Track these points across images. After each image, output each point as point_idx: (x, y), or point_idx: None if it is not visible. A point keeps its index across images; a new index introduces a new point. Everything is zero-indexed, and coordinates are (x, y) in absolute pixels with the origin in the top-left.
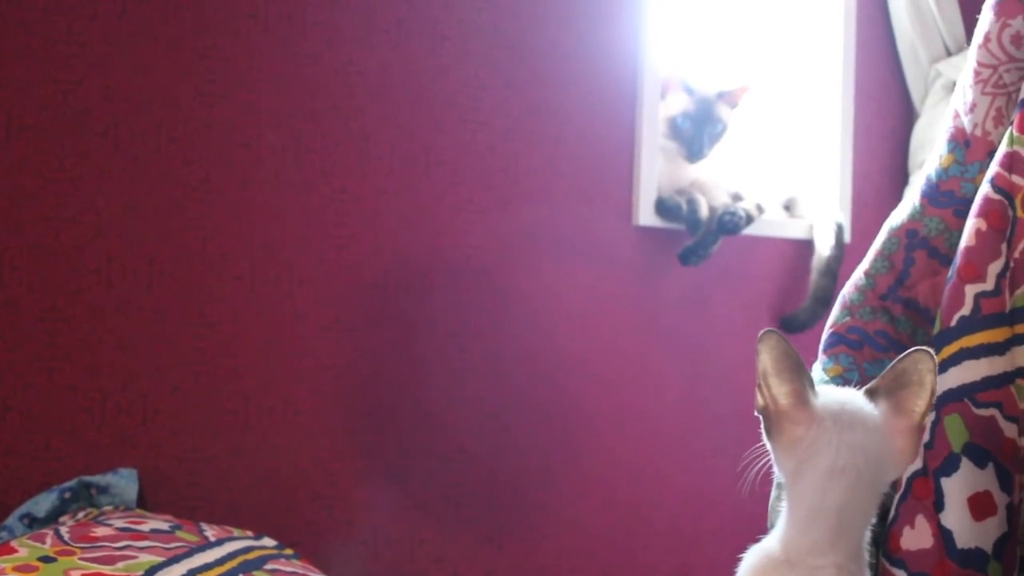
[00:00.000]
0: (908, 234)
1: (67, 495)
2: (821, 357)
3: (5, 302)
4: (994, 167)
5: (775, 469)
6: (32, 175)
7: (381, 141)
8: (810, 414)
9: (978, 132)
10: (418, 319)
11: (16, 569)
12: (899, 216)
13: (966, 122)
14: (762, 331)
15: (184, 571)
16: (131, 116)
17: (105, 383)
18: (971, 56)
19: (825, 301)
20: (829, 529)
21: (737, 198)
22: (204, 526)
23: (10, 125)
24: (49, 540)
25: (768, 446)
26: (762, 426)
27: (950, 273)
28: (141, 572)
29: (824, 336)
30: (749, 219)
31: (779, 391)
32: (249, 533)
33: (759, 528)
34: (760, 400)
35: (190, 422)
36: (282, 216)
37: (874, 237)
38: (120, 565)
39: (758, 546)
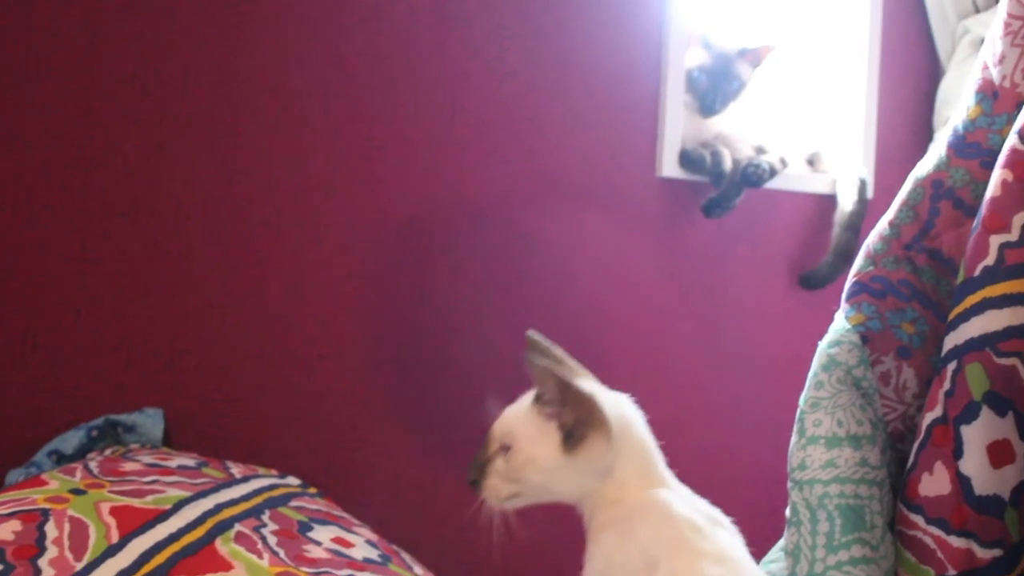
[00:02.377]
0: (933, 184)
1: (94, 433)
2: (844, 306)
3: (35, 243)
4: (1022, 119)
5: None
6: (61, 119)
7: (407, 89)
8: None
9: (1006, 84)
10: (442, 266)
11: (48, 500)
12: (925, 166)
13: (994, 73)
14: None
15: (211, 505)
16: (158, 61)
17: (132, 324)
18: (1001, 7)
19: (847, 256)
20: None
21: (761, 151)
22: (230, 463)
23: (39, 68)
24: (79, 473)
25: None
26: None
27: (975, 223)
28: (169, 505)
29: (847, 285)
30: (773, 172)
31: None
32: (274, 472)
33: (775, 479)
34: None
35: (215, 364)
36: (308, 162)
37: (897, 193)
38: (149, 498)
39: None
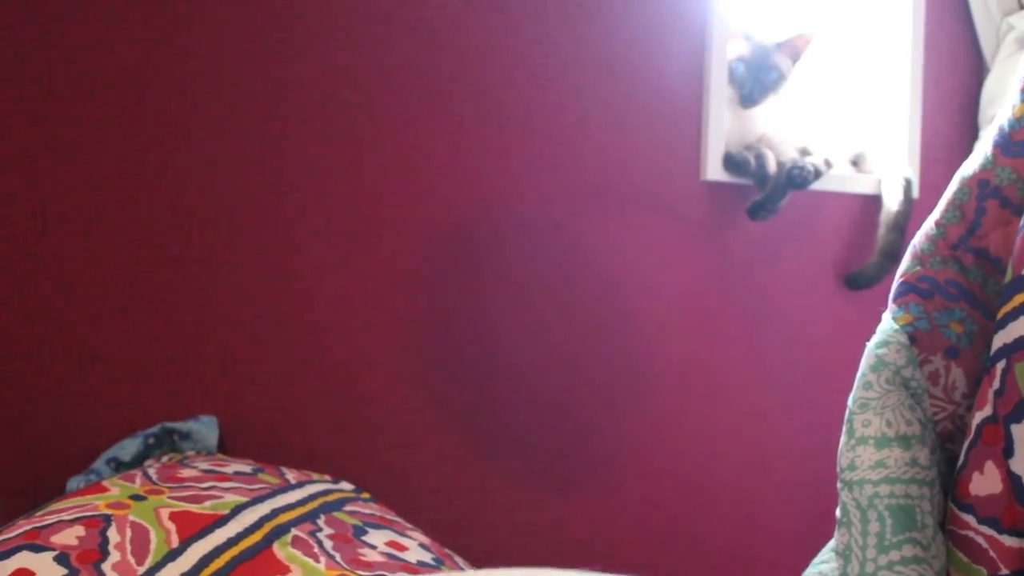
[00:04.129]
0: (979, 184)
1: (151, 440)
2: (891, 306)
3: (92, 254)
4: None
5: None
6: (116, 133)
7: (453, 98)
8: None
9: None
10: (489, 273)
11: (109, 506)
12: (970, 166)
13: None
14: None
15: (268, 510)
16: (209, 75)
17: (186, 334)
18: None
19: (893, 256)
20: None
21: (805, 153)
22: (284, 469)
23: (93, 84)
24: (138, 480)
25: None
26: None
27: (1022, 223)
28: (227, 510)
29: (894, 285)
30: (817, 174)
31: None
32: (327, 477)
33: (823, 480)
34: None
35: (268, 372)
36: (357, 172)
37: (943, 192)
38: (207, 504)
39: None
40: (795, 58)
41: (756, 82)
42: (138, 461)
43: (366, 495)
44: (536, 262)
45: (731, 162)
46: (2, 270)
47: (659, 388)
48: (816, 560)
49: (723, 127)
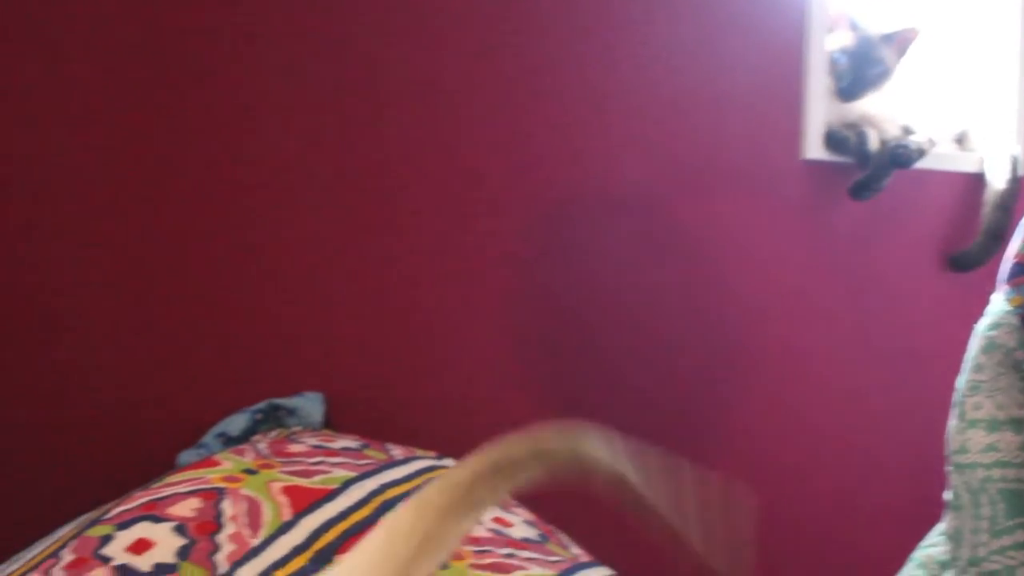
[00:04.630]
0: None
1: (258, 416)
2: (1004, 287)
3: (201, 236)
4: None
5: None
6: (222, 116)
7: (552, 78)
8: None
9: None
10: (588, 252)
11: (223, 479)
12: None
13: None
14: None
15: (376, 486)
16: (309, 56)
17: (292, 311)
18: None
19: (999, 236)
20: None
21: (908, 131)
22: (389, 445)
23: (199, 68)
24: (250, 455)
25: None
26: None
27: None
28: (337, 485)
29: (1008, 266)
30: (921, 152)
31: None
32: (432, 453)
33: (925, 464)
34: None
35: (371, 349)
36: (456, 152)
37: None
38: (316, 478)
39: None
40: (902, 52)
41: (858, 76)
42: (246, 436)
43: None
44: (635, 242)
45: (832, 140)
46: (111, 249)
47: (759, 369)
48: (924, 543)
49: (824, 105)
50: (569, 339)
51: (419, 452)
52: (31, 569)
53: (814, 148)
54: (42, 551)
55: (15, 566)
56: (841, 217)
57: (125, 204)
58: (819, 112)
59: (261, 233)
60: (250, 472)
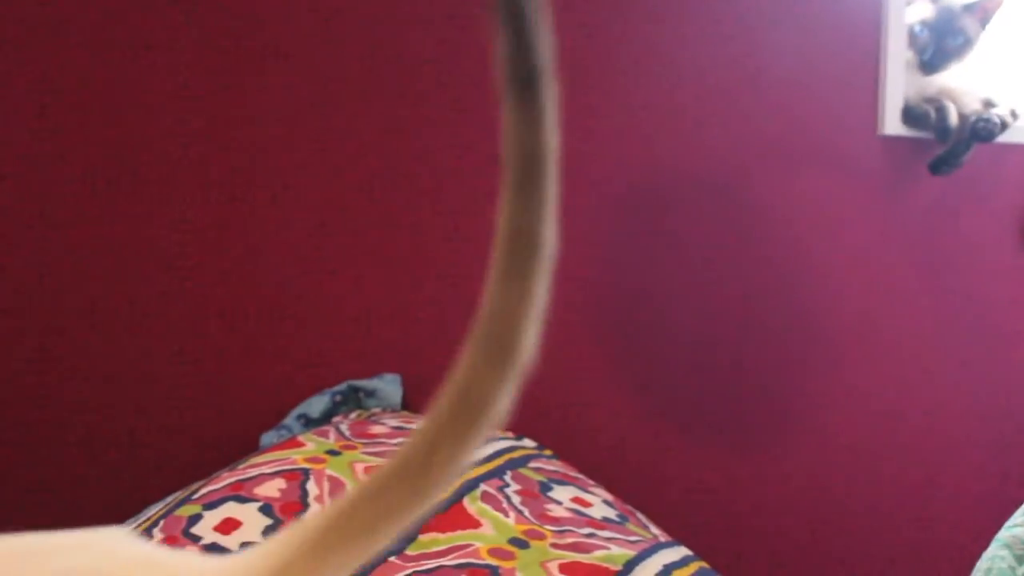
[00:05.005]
0: None
1: (338, 398)
2: None
3: (280, 221)
4: None
5: None
6: (299, 101)
7: (625, 57)
8: None
9: None
10: (663, 231)
11: (307, 460)
12: None
13: None
14: None
15: None
16: (386, 40)
17: (370, 295)
18: None
19: None
20: None
21: (989, 104)
22: None
23: (277, 52)
24: (332, 436)
25: None
26: None
27: None
28: None
29: None
30: (1004, 126)
31: None
32: (510, 434)
33: (1005, 442)
34: None
35: (449, 330)
36: None
37: None
38: None
39: None
40: (984, 22)
41: (939, 48)
42: (326, 417)
43: (548, 452)
44: (709, 220)
45: (910, 115)
46: (196, 235)
47: (835, 347)
48: (1010, 523)
49: (901, 79)
50: (645, 320)
51: (498, 433)
52: None
53: (892, 123)
54: (135, 529)
55: None
56: (920, 193)
57: (208, 192)
58: (897, 86)
59: (339, 219)
60: (333, 453)
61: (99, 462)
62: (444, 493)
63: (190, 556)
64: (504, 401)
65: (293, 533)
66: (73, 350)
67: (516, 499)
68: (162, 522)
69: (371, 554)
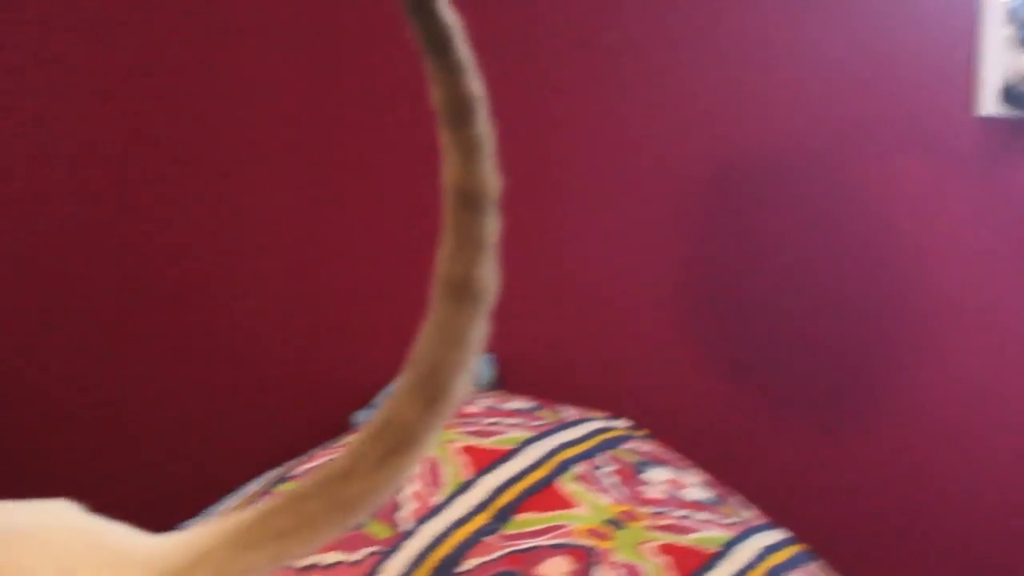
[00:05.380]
0: None
1: None
2: None
3: (369, 197)
4: None
5: None
6: (404, 82)
7: (714, 35)
8: None
9: None
10: (752, 213)
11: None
12: None
13: None
14: None
15: (552, 446)
16: (479, 19)
17: None
18: None
19: None
20: None
21: None
22: (561, 407)
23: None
24: None
25: None
26: None
27: None
28: (513, 445)
29: None
30: None
31: None
32: (604, 415)
33: None
34: None
35: (540, 312)
36: (618, 113)
37: None
38: (493, 439)
39: None
40: None
41: None
42: None
43: (643, 432)
44: (799, 201)
45: (1011, 94)
46: (288, 214)
47: (931, 330)
48: None
49: (1000, 57)
50: (735, 298)
51: (591, 414)
52: None
53: (990, 104)
54: (232, 507)
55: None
56: (1019, 176)
57: (299, 172)
58: (996, 65)
59: (427, 198)
60: None
61: (197, 440)
62: (360, 515)
63: (125, 530)
64: (429, 439)
65: (217, 526)
66: (169, 328)
67: (611, 480)
68: (261, 501)
69: (288, 557)
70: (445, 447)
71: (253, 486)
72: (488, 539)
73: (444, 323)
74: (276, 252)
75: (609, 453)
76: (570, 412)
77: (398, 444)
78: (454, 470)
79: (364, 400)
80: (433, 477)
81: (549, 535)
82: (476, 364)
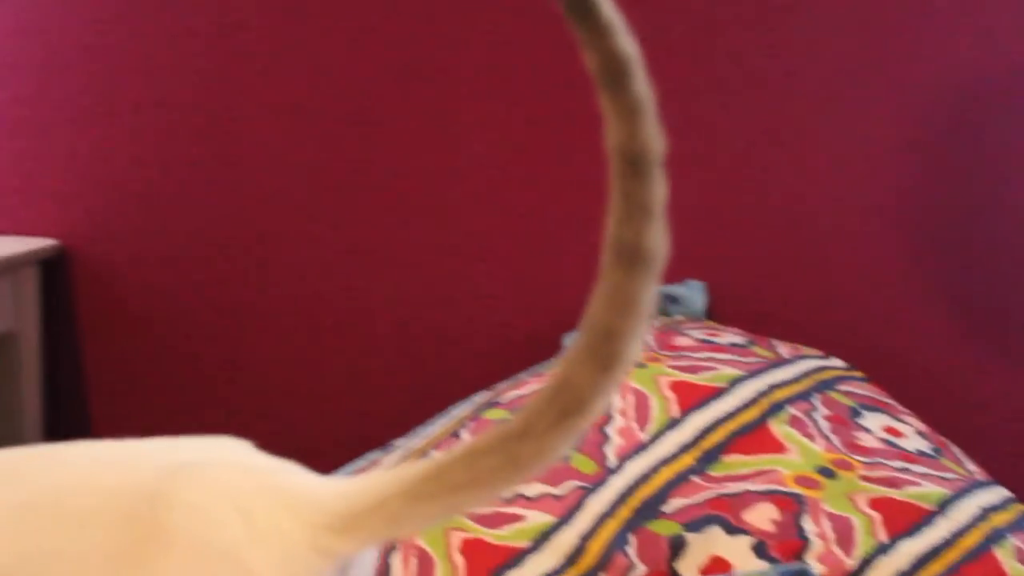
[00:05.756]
0: None
1: None
2: None
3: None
4: None
5: None
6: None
7: None
8: None
9: None
10: (993, 139)
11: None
12: None
13: None
14: None
15: (764, 386)
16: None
17: (678, 199)
18: None
19: None
20: None
21: None
22: (775, 342)
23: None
24: None
25: None
26: None
27: None
28: (724, 383)
29: None
30: None
31: None
32: (819, 352)
33: None
34: None
35: (756, 240)
36: (858, 35)
37: None
38: (704, 375)
39: None
40: None
41: None
42: None
43: (858, 374)
44: None
45: None
46: (505, 148)
47: None
48: None
49: None
50: (967, 234)
51: (805, 351)
52: (434, 447)
53: None
54: (443, 429)
55: (417, 441)
56: None
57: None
58: None
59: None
60: (638, 365)
61: (408, 353)
62: (531, 473)
63: (296, 470)
64: (601, 402)
65: (393, 475)
66: (382, 244)
67: (824, 425)
68: (471, 424)
69: (459, 510)
70: (655, 381)
71: (463, 407)
72: (695, 479)
73: (615, 289)
74: (487, 178)
75: (823, 395)
76: (784, 349)
77: (572, 407)
78: (662, 406)
79: (573, 322)
80: (641, 413)
81: (757, 479)
82: (644, 334)
